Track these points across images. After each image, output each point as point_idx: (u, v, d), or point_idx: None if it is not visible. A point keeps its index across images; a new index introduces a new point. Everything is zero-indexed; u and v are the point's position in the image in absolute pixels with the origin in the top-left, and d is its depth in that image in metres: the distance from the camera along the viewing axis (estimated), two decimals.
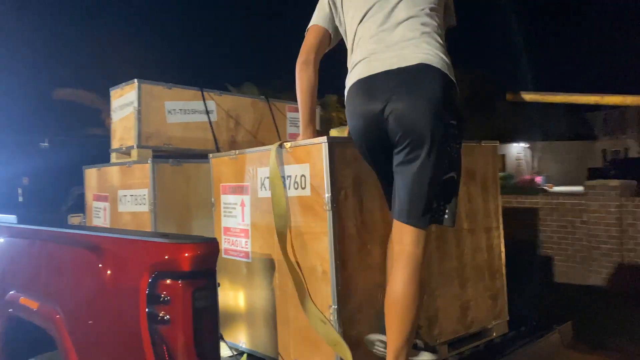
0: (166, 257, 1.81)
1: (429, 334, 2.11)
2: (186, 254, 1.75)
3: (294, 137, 3.47)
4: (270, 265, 2.06)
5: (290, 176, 1.95)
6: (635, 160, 25.87)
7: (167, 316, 1.76)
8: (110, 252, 2.05)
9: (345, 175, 1.86)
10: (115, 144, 3.03)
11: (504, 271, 2.51)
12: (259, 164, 2.11)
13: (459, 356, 2.21)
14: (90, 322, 2.13)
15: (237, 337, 2.24)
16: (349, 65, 1.85)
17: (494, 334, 2.44)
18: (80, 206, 3.56)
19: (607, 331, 5.15)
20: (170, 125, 2.92)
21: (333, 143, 1.82)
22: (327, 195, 1.81)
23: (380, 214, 1.96)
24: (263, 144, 3.23)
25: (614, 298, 6.30)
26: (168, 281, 1.79)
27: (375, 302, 1.92)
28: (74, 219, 3.32)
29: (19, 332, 2.69)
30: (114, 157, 3.06)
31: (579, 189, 7.35)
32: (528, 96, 2.32)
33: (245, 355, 2.17)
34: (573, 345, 4.01)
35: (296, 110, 3.54)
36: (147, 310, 1.79)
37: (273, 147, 1.96)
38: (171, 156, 2.78)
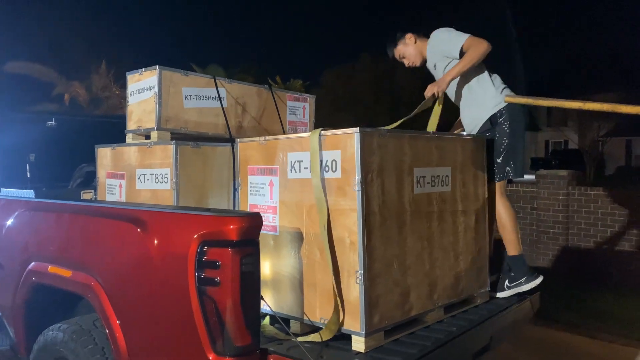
0: (216, 228, 2.07)
1: (429, 298, 2.49)
2: (234, 225, 2.01)
3: (293, 124, 3.75)
4: (298, 237, 2.36)
5: (322, 160, 2.25)
6: (575, 151, 27.57)
7: (217, 278, 2.03)
8: (156, 225, 2.29)
9: (372, 162, 2.18)
10: (132, 125, 3.21)
11: (487, 247, 2.92)
12: (290, 149, 2.39)
13: (452, 318, 2.59)
14: (132, 288, 2.37)
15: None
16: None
17: (479, 301, 2.85)
18: (86, 183, 3.72)
19: (558, 308, 5.77)
20: (186, 110, 3.13)
21: (363, 133, 2.14)
22: (357, 177, 2.13)
23: (397, 196, 2.30)
24: (266, 130, 3.51)
25: (561, 278, 6.97)
26: (218, 249, 2.06)
27: (391, 269, 2.27)
28: (86, 195, 3.48)
29: (44, 300, 2.87)
30: (129, 138, 3.24)
31: (530, 177, 7.97)
32: (523, 99, 2.69)
33: (268, 318, 2.47)
34: (533, 321, 4.54)
35: (295, 99, 3.83)
36: (196, 274, 2.06)
37: (313, 135, 2.26)
38: (187, 138, 3.01)
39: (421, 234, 2.45)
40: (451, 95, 3.20)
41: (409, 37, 3.27)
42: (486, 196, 2.92)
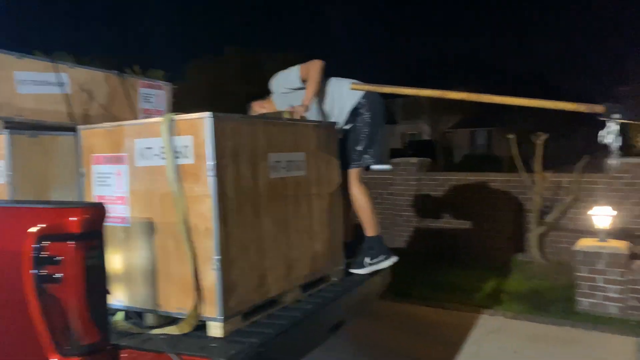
0: (54, 221, 1.92)
1: (287, 279, 2.56)
2: (75, 218, 1.89)
3: (148, 112, 3.60)
4: (150, 228, 2.28)
5: (174, 146, 2.19)
6: (428, 141, 30.04)
7: (59, 275, 1.89)
8: None
9: (225, 147, 2.18)
10: None
11: (341, 229, 3.07)
12: (138, 136, 2.30)
13: (310, 296, 2.70)
14: None
15: (112, 297, 2.40)
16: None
17: (334, 279, 2.99)
18: None
19: (412, 284, 6.27)
20: (21, 96, 2.84)
21: (216, 118, 2.12)
22: (210, 163, 2.11)
23: (252, 181, 2.33)
24: (117, 118, 3.32)
25: (415, 257, 7.57)
26: (57, 243, 1.92)
27: (248, 253, 2.29)
28: None
29: None
30: None
31: (385, 167, 8.52)
32: (367, 87, 2.86)
33: (121, 313, 2.35)
34: (383, 296, 4.89)
35: (149, 86, 3.67)
36: (35, 272, 1.90)
37: (165, 120, 2.18)
38: (24, 128, 2.74)
39: (277, 217, 2.51)
40: (318, 108, 3.39)
41: (256, 106, 3.54)
42: (340, 180, 3.07)
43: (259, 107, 3.47)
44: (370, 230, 3.32)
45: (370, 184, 8.73)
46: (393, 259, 3.30)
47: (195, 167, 2.15)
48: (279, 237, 2.51)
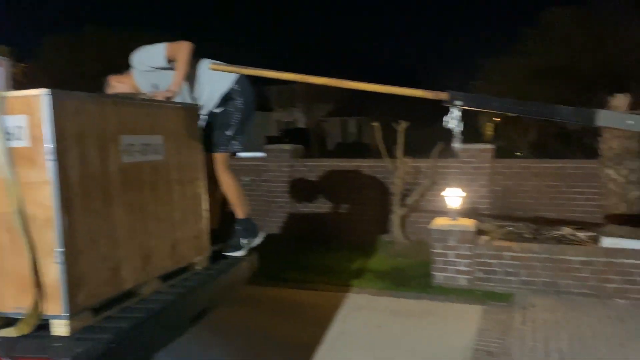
0: None
1: (145, 269, 2.43)
2: None
3: None
4: None
5: (4, 127, 1.94)
6: (302, 129, 30.57)
7: None
8: None
9: (67, 128, 1.98)
10: None
11: (206, 215, 2.99)
12: None
13: (170, 287, 2.59)
14: None
15: None
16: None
17: (199, 267, 2.91)
18: None
19: (286, 269, 6.35)
20: None
21: (56, 95, 1.92)
22: (50, 146, 1.91)
23: (101, 166, 2.15)
24: None
25: (290, 242, 7.68)
26: None
27: (98, 244, 2.13)
28: None
29: None
30: None
31: (260, 154, 8.54)
32: (228, 67, 2.79)
33: None
34: (255, 280, 4.89)
35: None
36: None
37: None
38: None
39: (133, 205, 2.36)
40: (186, 89, 3.23)
41: (113, 80, 3.23)
42: (203, 165, 2.97)
43: (116, 82, 3.19)
44: (240, 212, 3.38)
45: (244, 170, 8.72)
46: (262, 234, 3.44)
47: (31, 151, 1.93)
48: (134, 226, 2.36)
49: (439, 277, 5.60)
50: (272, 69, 2.56)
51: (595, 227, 6.05)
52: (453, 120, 2.40)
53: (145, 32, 19.12)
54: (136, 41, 3.49)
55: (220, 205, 3.51)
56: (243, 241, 3.31)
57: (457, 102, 2.39)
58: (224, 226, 3.50)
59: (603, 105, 6.00)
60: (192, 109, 2.91)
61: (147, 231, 2.45)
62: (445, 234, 5.52)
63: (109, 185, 2.21)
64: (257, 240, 3.40)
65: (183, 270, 2.77)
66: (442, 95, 2.41)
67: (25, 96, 1.94)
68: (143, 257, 2.42)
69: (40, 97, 1.90)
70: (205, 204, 2.97)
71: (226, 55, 3.33)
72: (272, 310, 4.99)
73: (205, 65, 3.19)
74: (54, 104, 1.91)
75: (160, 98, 2.85)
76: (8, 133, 1.95)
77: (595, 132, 6.68)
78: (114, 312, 2.20)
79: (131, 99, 2.48)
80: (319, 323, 4.61)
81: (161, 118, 2.59)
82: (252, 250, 3.38)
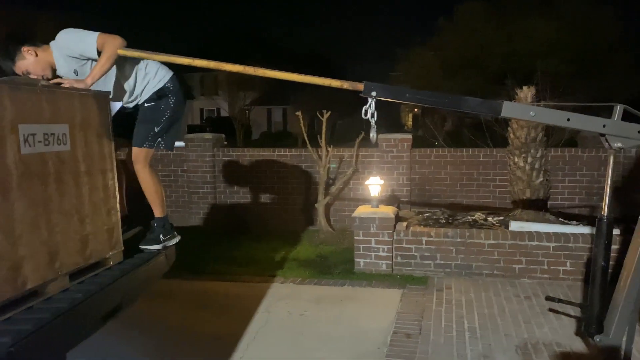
0: None
1: (50, 267, 2.29)
2: None
3: None
4: None
5: None
6: (227, 118, 30.05)
7: None
8: None
9: None
10: None
11: (118, 207, 2.86)
12: None
13: (80, 284, 2.46)
14: None
15: None
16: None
17: (111, 263, 2.78)
18: None
19: (206, 260, 6.24)
20: None
21: None
22: None
23: None
24: None
25: (211, 234, 7.54)
26: None
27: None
28: None
29: None
30: None
31: (181, 144, 8.30)
32: (137, 53, 2.66)
33: None
34: (177, 274, 4.77)
35: None
36: None
37: None
38: None
39: (35, 199, 2.20)
40: (112, 83, 3.06)
41: (27, 51, 2.88)
42: (114, 155, 2.84)
43: (28, 54, 2.87)
44: (159, 211, 3.30)
45: (164, 161, 8.44)
46: (178, 237, 3.38)
47: None
48: (37, 221, 2.21)
49: (360, 263, 5.73)
50: (186, 56, 2.48)
51: (504, 211, 6.46)
52: (369, 110, 2.45)
53: (58, 15, 17.93)
54: (50, 23, 3.19)
55: (126, 190, 3.39)
56: (162, 237, 3.24)
57: (373, 93, 2.44)
58: (134, 213, 3.39)
59: (511, 97, 6.38)
60: (101, 97, 2.76)
61: (52, 226, 2.30)
62: (366, 221, 5.65)
63: (6, 178, 2.05)
64: (174, 240, 3.33)
65: (94, 266, 2.64)
66: (359, 86, 2.45)
67: None
68: (48, 254, 2.27)
69: None
70: (116, 196, 2.84)
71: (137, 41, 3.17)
72: (194, 304, 4.89)
73: (136, 62, 3.06)
74: None
75: (66, 85, 2.66)
76: None
77: (506, 123, 7.09)
78: (16, 314, 2.06)
79: (32, 85, 2.30)
80: (243, 314, 4.58)
81: (66, 106, 2.44)
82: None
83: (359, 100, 2.61)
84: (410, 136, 7.71)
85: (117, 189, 2.83)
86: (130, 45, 2.87)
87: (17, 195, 2.10)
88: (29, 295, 2.18)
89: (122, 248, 2.90)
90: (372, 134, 2.49)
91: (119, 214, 2.86)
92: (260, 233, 7.55)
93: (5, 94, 2.07)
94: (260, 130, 33.05)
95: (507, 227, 5.61)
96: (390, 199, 7.21)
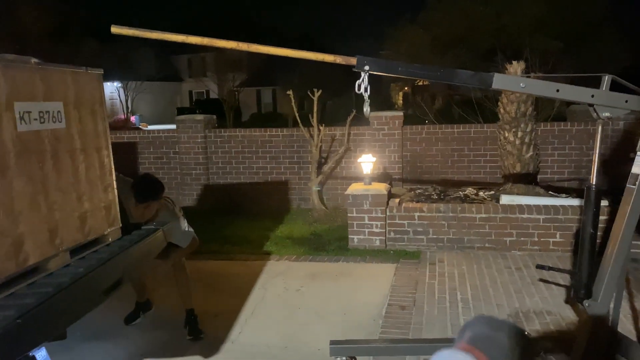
0: None
1: (51, 243, 2.31)
2: None
3: None
4: None
5: None
6: (216, 100, 29.82)
7: None
8: None
9: None
10: None
11: (114, 185, 2.88)
12: None
13: (81, 259, 2.49)
14: None
15: None
16: None
17: (110, 239, 2.81)
18: None
19: (201, 239, 6.24)
20: None
21: None
22: None
23: None
24: None
25: (205, 214, 7.57)
26: None
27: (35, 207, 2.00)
28: None
29: None
30: None
31: (171, 127, 8.26)
32: (131, 31, 2.65)
33: None
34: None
35: None
36: None
37: None
38: None
39: (33, 176, 2.22)
40: None
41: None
42: (108, 133, 2.84)
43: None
44: None
45: (155, 143, 8.41)
46: None
47: None
48: (37, 199, 2.23)
49: (354, 239, 5.80)
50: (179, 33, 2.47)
51: (495, 186, 6.54)
52: (362, 85, 2.47)
53: None
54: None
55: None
56: None
57: (366, 67, 2.46)
58: None
59: (501, 72, 6.39)
60: (95, 75, 2.75)
61: (51, 203, 2.32)
62: (359, 198, 5.71)
63: (4, 155, 2.06)
64: None
65: (94, 242, 2.67)
66: (352, 61, 2.46)
67: None
68: (48, 230, 2.29)
69: None
70: (112, 174, 2.86)
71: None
72: (191, 282, 4.94)
73: None
74: None
75: None
76: None
77: (496, 99, 7.13)
78: (19, 289, 2.09)
79: (24, 63, 2.30)
80: (240, 291, 4.64)
81: (60, 83, 2.43)
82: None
83: (348, 80, 2.62)
84: (401, 114, 7.74)
85: (112, 166, 2.84)
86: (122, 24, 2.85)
87: (15, 172, 2.11)
88: (31, 271, 2.21)
89: (120, 225, 2.92)
90: (366, 109, 2.51)
91: (115, 190, 2.87)
92: (254, 213, 7.59)
93: (1, 72, 2.07)
94: (250, 112, 32.83)
95: (497, 201, 5.70)
96: (383, 177, 7.27)
